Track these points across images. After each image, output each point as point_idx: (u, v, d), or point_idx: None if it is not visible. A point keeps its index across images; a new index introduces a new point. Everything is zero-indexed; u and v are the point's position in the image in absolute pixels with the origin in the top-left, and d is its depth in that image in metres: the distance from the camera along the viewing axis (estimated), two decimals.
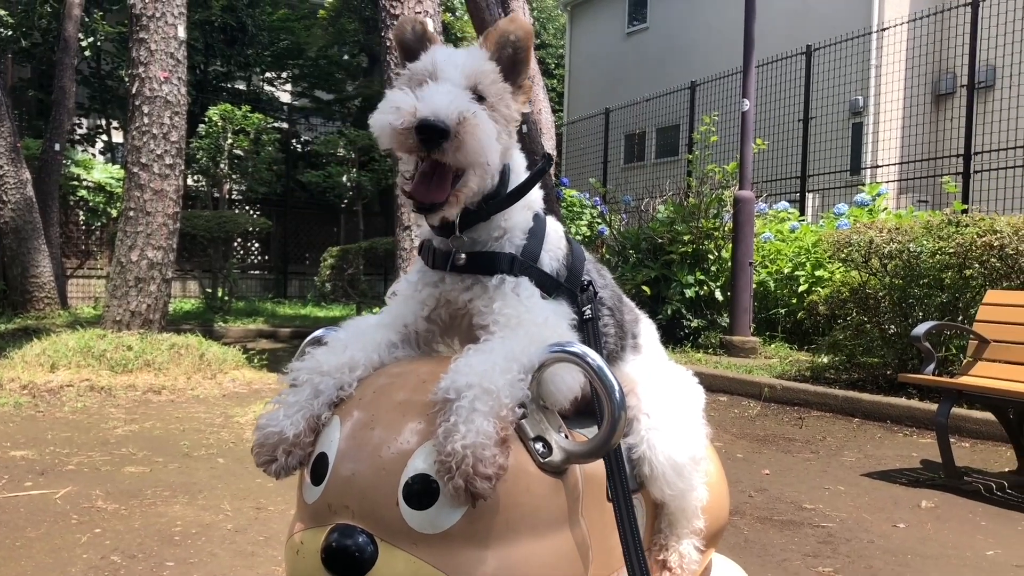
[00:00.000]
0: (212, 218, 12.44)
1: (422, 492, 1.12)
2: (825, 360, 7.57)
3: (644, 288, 9.37)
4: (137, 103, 7.59)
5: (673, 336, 9.28)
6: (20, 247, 11.10)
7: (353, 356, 1.33)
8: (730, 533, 3.41)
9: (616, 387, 1.15)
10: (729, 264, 9.03)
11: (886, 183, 11.29)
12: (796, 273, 9.25)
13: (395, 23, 1.38)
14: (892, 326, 6.68)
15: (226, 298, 13.15)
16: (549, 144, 11.71)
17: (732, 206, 8.94)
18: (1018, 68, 11.33)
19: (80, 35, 14.09)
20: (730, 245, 9.00)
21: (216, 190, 13.88)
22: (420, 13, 6.74)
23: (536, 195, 1.49)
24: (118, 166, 14.66)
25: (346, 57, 20.78)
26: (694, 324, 9.34)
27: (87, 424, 5.33)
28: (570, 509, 1.23)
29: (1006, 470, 4.66)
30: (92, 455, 4.53)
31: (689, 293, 9.27)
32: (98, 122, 17.87)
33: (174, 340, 7.30)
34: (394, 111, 1.23)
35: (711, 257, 9.53)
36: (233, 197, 16.09)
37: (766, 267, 9.73)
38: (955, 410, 5.06)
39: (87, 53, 15.82)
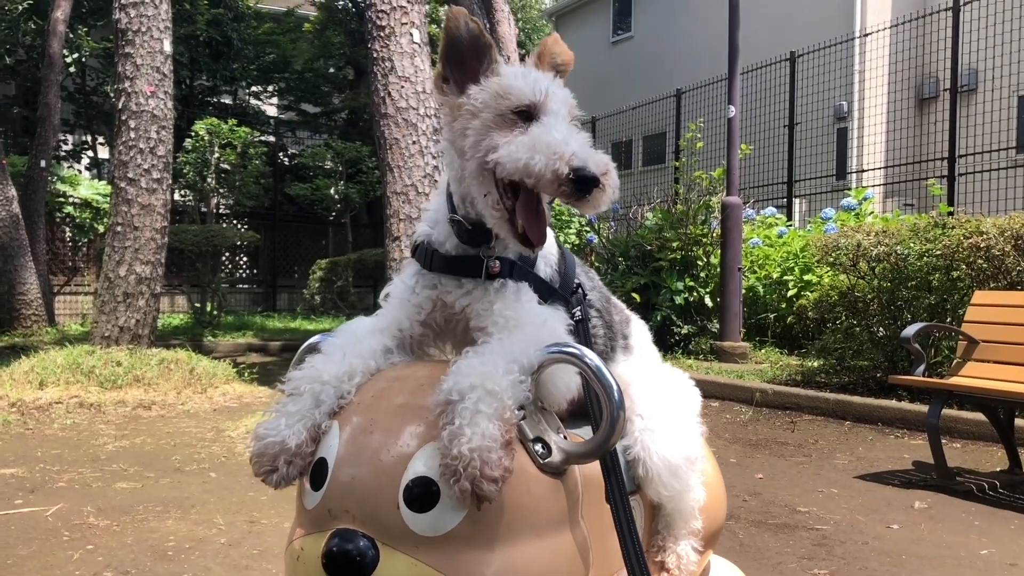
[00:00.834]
0: (200, 232, 12.40)
1: (422, 495, 1.12)
2: (815, 364, 7.60)
3: (634, 295, 9.39)
4: (124, 117, 7.57)
5: (664, 343, 9.29)
6: (7, 264, 11.04)
7: (352, 364, 1.33)
8: (725, 537, 3.41)
9: (614, 387, 1.16)
10: (718, 270, 9.06)
11: (872, 187, 11.36)
12: (785, 278, 9.29)
13: (449, 16, 1.37)
14: (881, 329, 6.71)
15: (215, 313, 13.09)
16: None
17: (720, 212, 8.98)
18: (1000, 71, 11.47)
19: (65, 51, 14.06)
20: (719, 251, 9.03)
21: (203, 204, 13.84)
22: (406, 25, 6.76)
23: None
24: (104, 182, 14.62)
25: (332, 70, 20.81)
26: (684, 330, 9.36)
27: (77, 441, 5.29)
28: (570, 510, 1.23)
29: (997, 470, 4.68)
30: (83, 471, 4.49)
31: (679, 300, 9.29)
32: (84, 138, 17.82)
33: (163, 355, 7.26)
34: (546, 151, 1.25)
35: (700, 263, 9.56)
36: (221, 211, 16.04)
37: (755, 272, 9.77)
38: (946, 411, 5.09)
39: (72, 69, 15.78)
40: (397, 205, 6.70)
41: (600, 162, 1.26)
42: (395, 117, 6.69)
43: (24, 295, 11.14)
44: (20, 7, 14.77)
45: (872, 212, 9.71)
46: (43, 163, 12.51)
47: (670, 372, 1.70)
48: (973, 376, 4.53)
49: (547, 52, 1.44)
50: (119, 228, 7.53)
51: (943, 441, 4.51)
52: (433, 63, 7.07)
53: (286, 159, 19.82)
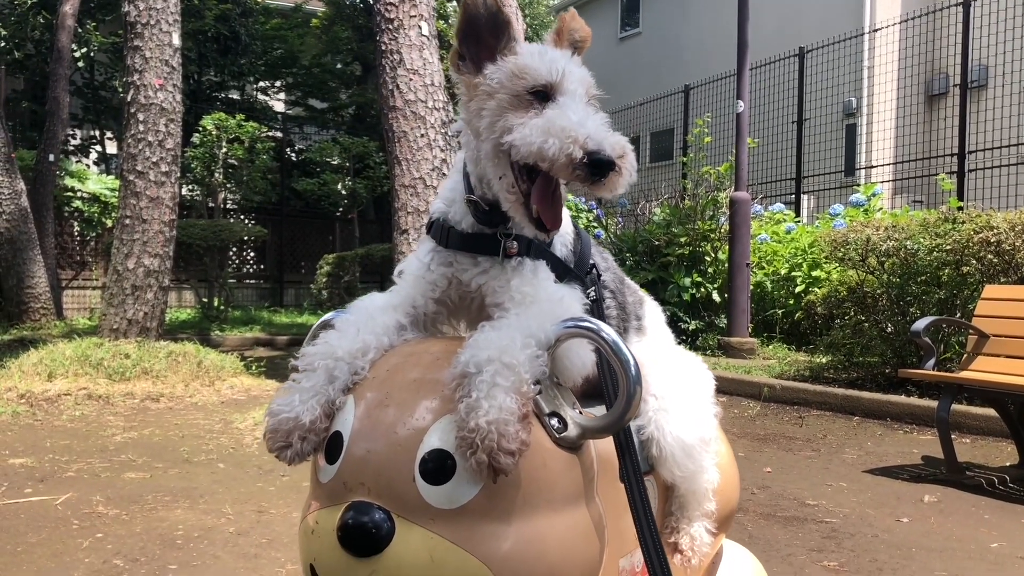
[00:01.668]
0: (207, 227, 12.42)
1: (437, 469, 1.12)
2: (824, 360, 7.57)
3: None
4: (132, 110, 7.58)
5: None
6: (15, 258, 11.07)
7: (365, 340, 1.32)
8: (735, 529, 3.40)
9: (632, 361, 1.15)
10: (726, 266, 9.04)
11: (881, 183, 11.32)
12: (793, 274, 9.26)
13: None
14: (890, 324, 6.69)
15: (222, 307, 13.11)
16: None
17: (728, 208, 8.96)
18: (1010, 67, 11.40)
19: (73, 46, 14.09)
20: (727, 247, 9.01)
21: (211, 199, 13.85)
22: (415, 17, 6.75)
23: None
24: (112, 176, 14.64)
25: (339, 66, 20.79)
26: (692, 326, 9.34)
27: (86, 432, 5.30)
28: (586, 487, 1.23)
29: (1007, 464, 4.66)
30: (91, 462, 4.51)
31: (686, 295, 9.27)
32: (92, 133, 17.85)
33: (171, 348, 7.28)
34: (560, 135, 1.22)
35: (708, 259, 9.54)
36: (228, 206, 16.06)
37: (763, 268, 9.74)
38: (955, 406, 5.07)
39: (80, 64, 15.79)
40: (405, 198, 6.70)
41: (616, 144, 1.24)
42: (403, 110, 6.68)
43: (32, 288, 11.18)
44: (29, 1, 14.80)
45: (881, 208, 9.67)
46: (51, 157, 12.55)
47: (683, 354, 1.69)
48: (983, 370, 4.50)
49: (565, 28, 1.43)
50: (128, 221, 7.55)
51: (952, 436, 4.49)
52: (442, 58, 7.07)
53: (293, 154, 19.81)
